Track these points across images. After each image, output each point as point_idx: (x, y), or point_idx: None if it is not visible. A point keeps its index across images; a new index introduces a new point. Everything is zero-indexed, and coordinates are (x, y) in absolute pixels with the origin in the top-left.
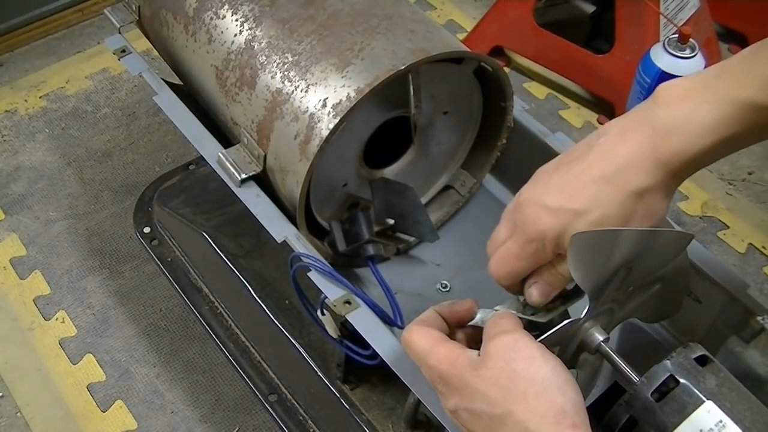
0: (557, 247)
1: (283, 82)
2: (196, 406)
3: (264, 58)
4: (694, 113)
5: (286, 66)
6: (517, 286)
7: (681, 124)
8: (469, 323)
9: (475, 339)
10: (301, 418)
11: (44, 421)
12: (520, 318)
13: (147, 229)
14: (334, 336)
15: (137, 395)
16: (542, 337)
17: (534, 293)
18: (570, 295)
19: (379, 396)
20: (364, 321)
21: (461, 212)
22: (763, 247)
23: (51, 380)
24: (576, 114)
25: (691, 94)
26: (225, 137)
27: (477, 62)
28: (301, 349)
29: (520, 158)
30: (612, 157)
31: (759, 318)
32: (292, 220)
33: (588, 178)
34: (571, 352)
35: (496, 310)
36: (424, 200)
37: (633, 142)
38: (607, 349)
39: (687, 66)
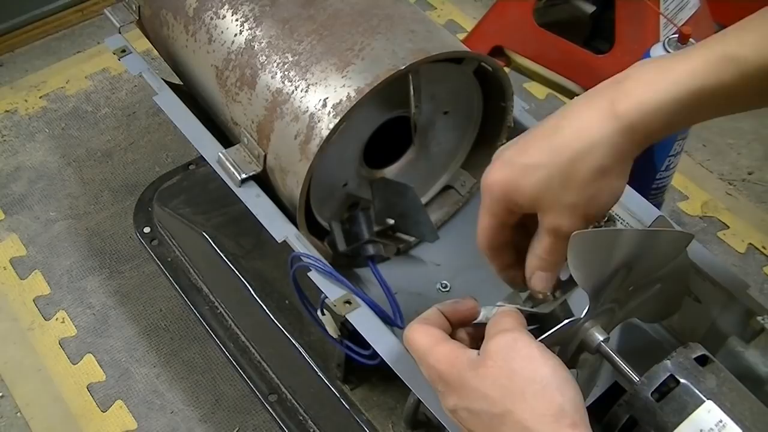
0: (509, 202)
1: (283, 82)
2: (196, 406)
3: (264, 57)
4: (665, 66)
5: (286, 66)
6: (496, 256)
7: (648, 76)
8: (473, 321)
9: (476, 338)
10: (301, 418)
11: (44, 421)
12: (521, 311)
13: (147, 229)
14: (334, 336)
15: (137, 395)
16: (542, 336)
17: (536, 284)
18: (567, 284)
19: (379, 396)
20: (364, 321)
21: (461, 212)
22: (763, 247)
23: (51, 380)
24: None
25: (668, 55)
26: (225, 137)
27: (477, 62)
28: (301, 349)
29: None
30: (568, 114)
31: (759, 318)
32: (292, 220)
33: (541, 132)
34: (571, 352)
35: (498, 305)
36: (424, 200)
37: (594, 100)
38: (607, 349)
39: None
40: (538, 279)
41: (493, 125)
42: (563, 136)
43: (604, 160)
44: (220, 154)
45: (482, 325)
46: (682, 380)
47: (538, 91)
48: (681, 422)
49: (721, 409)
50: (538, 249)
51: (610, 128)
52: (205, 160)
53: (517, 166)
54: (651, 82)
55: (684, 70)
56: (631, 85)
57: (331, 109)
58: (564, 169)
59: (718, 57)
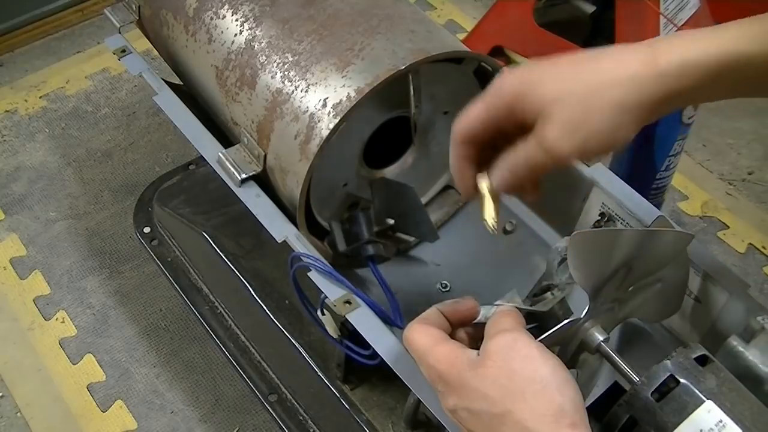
0: (516, 103)
1: (283, 82)
2: (196, 406)
3: (264, 57)
4: (704, 32)
5: (286, 66)
6: (464, 146)
7: (688, 38)
8: (473, 321)
9: (476, 338)
10: (301, 418)
11: (44, 421)
12: (519, 309)
13: (147, 229)
14: (334, 336)
15: (137, 395)
16: (542, 336)
17: (494, 178)
18: (566, 283)
19: (379, 396)
20: (364, 321)
21: (461, 212)
22: (763, 247)
23: (51, 380)
24: None
25: (703, 28)
26: (225, 137)
27: (477, 62)
28: (301, 349)
29: None
30: (607, 51)
31: (759, 318)
32: (292, 220)
33: (576, 57)
34: (571, 352)
35: (497, 305)
36: (424, 200)
37: (635, 47)
38: (607, 349)
39: None
40: (498, 176)
41: None
42: (598, 63)
43: (627, 97)
44: (220, 154)
45: (482, 325)
46: (682, 380)
47: None
48: (681, 422)
49: (721, 409)
50: (521, 152)
51: (646, 73)
52: (205, 160)
53: (542, 71)
54: (692, 42)
55: (724, 36)
56: (672, 41)
57: (331, 109)
58: (587, 92)
59: (756, 31)
